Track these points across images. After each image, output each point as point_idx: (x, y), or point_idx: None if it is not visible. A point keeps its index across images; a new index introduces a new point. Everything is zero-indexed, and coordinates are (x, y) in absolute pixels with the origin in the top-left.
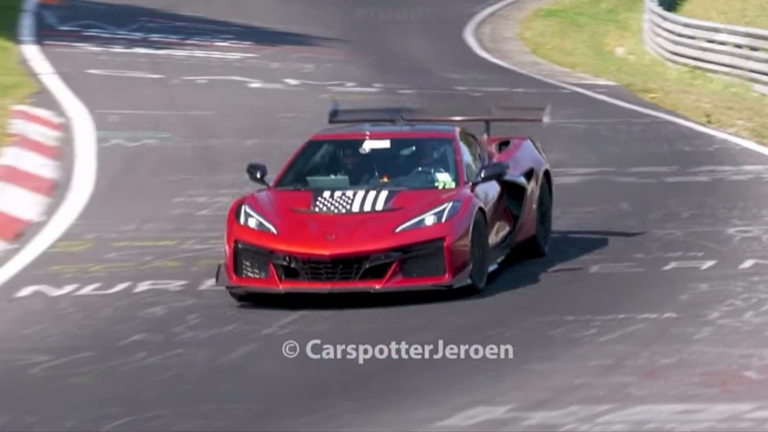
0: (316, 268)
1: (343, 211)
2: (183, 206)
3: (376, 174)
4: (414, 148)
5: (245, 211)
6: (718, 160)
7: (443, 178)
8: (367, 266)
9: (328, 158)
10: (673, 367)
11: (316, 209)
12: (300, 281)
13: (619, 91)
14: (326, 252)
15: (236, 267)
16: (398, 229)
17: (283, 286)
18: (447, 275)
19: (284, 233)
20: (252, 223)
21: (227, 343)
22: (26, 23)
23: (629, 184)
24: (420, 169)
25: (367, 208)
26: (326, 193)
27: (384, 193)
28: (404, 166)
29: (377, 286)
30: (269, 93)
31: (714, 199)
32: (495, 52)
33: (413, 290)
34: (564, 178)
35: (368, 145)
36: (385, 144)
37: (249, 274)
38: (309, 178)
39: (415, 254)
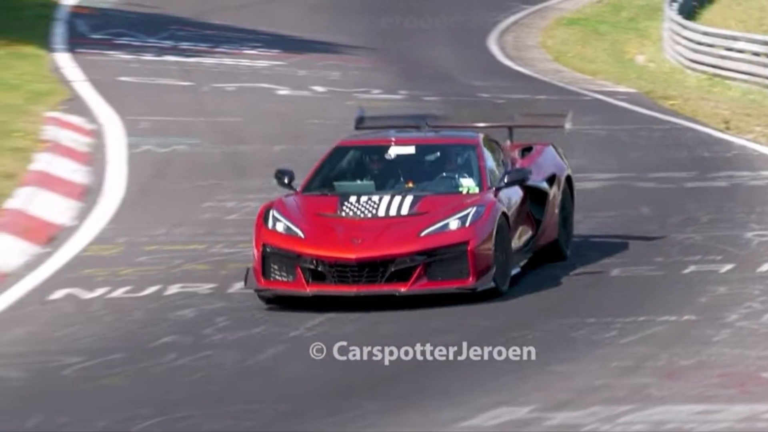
0: (342, 271)
1: (369, 215)
2: (212, 211)
3: (402, 179)
4: (438, 153)
5: (273, 216)
6: (737, 166)
7: (467, 183)
8: (393, 269)
9: (355, 164)
10: (692, 369)
11: (343, 214)
12: (327, 284)
13: (639, 98)
14: (353, 256)
15: (264, 270)
16: (423, 234)
17: (310, 289)
18: (471, 278)
19: (311, 237)
20: (280, 227)
21: (256, 345)
22: (59, 32)
23: (649, 189)
24: (444, 174)
25: (393, 212)
26: (352, 198)
27: (409, 198)
28: (429, 171)
29: (402, 289)
30: (297, 100)
31: (732, 204)
32: (518, 59)
33: (438, 293)
34: (585, 183)
35: (394, 151)
36: (411, 150)
37: (277, 277)
38: (336, 183)
39: (439, 258)
